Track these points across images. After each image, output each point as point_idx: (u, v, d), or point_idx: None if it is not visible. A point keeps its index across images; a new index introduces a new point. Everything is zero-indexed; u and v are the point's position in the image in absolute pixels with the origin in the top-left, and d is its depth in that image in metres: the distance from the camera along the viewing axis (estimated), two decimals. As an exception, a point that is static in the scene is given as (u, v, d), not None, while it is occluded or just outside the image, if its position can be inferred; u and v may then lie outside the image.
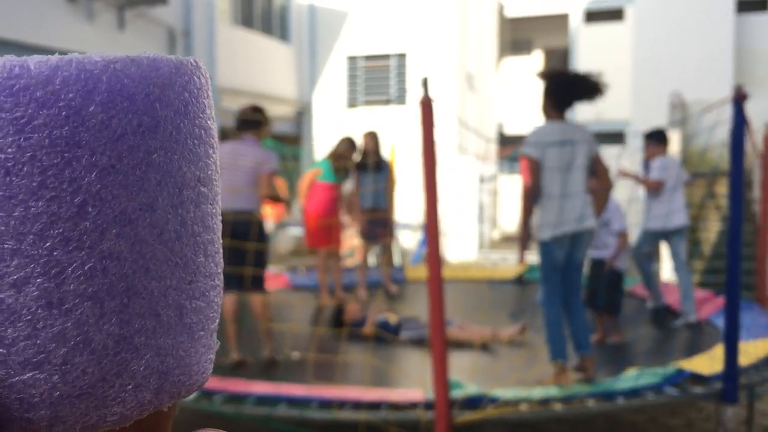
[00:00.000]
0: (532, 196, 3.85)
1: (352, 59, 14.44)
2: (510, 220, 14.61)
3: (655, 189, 5.73)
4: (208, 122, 0.38)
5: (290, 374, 4.09)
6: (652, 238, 5.92)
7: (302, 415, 3.33)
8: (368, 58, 14.35)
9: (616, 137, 14.87)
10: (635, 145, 9.23)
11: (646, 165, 6.15)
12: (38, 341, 0.33)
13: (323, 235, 6.47)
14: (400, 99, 14.11)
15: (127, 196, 0.34)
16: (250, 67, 12.36)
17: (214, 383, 3.76)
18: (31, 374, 0.33)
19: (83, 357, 0.33)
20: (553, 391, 3.65)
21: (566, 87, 3.89)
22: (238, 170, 4.59)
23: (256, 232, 4.50)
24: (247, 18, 12.72)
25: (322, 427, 3.63)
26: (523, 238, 4.18)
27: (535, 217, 3.93)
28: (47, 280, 0.33)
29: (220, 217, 0.39)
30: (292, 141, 13.50)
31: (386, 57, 14.22)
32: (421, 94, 3.25)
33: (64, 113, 0.33)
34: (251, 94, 12.21)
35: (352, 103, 14.43)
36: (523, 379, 4.03)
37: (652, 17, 13.96)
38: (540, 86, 3.96)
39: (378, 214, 6.83)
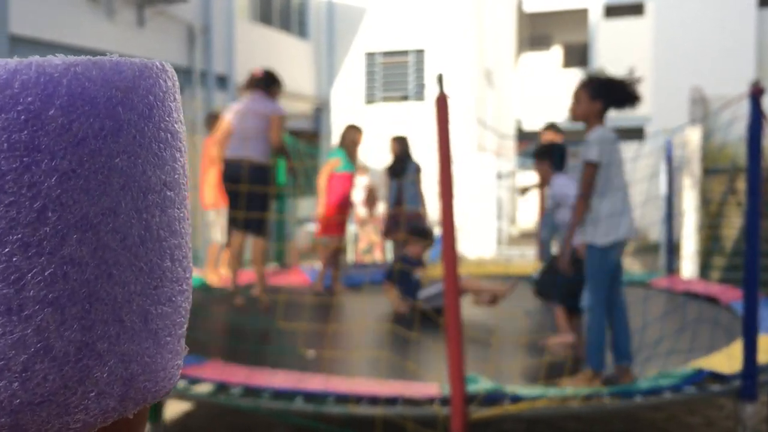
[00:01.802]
0: (588, 202, 3.82)
1: (371, 55, 14.44)
2: (528, 216, 14.56)
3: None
4: (175, 126, 0.37)
5: (307, 369, 4.11)
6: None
7: (319, 410, 3.35)
8: (386, 54, 14.35)
9: (635, 133, 14.76)
10: (655, 143, 9.18)
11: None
12: None
13: (339, 225, 6.51)
14: (419, 95, 14.09)
15: (89, 201, 0.33)
16: (268, 63, 12.39)
17: (229, 374, 3.78)
18: None
19: (44, 364, 0.33)
20: (571, 389, 3.64)
21: (617, 93, 3.86)
22: (248, 122, 5.07)
23: (262, 179, 5.02)
24: (265, 14, 12.77)
25: (339, 421, 3.64)
26: (568, 244, 4.06)
27: (594, 223, 3.88)
28: (6, 286, 0.32)
29: (188, 221, 0.39)
30: (309, 137, 13.53)
31: (404, 53, 14.21)
32: (436, 90, 3.24)
33: (23, 117, 0.32)
34: (269, 90, 12.24)
35: (370, 100, 14.43)
36: (541, 370, 4.02)
37: (672, 12, 13.83)
38: (584, 89, 3.87)
39: (407, 216, 6.89)
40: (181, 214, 0.38)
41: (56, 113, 0.32)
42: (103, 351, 0.34)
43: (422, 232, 6.08)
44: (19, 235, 0.32)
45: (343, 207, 6.50)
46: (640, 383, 3.73)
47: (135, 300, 0.35)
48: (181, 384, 3.70)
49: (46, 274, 0.32)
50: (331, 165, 6.57)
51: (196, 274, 6.75)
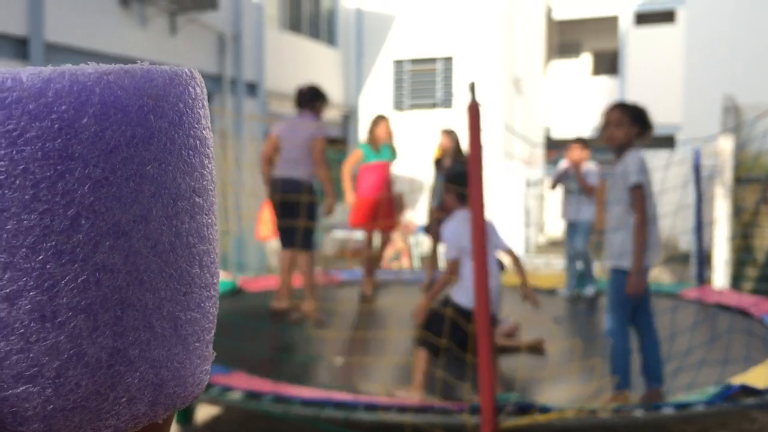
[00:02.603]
0: (647, 226, 3.77)
1: (399, 63, 14.48)
2: (556, 224, 14.45)
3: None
4: (204, 132, 0.38)
5: (335, 379, 4.12)
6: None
7: (349, 417, 3.36)
8: (415, 61, 14.37)
9: (665, 141, 14.61)
10: (685, 153, 9.08)
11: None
12: (31, 354, 0.32)
13: (371, 215, 6.44)
14: (447, 103, 14.09)
15: (121, 208, 0.33)
16: (297, 71, 12.49)
17: (261, 384, 3.81)
18: (24, 388, 0.33)
19: (77, 370, 0.33)
20: (600, 404, 3.62)
21: (646, 118, 3.86)
22: (294, 141, 5.17)
23: (307, 196, 5.11)
24: (295, 23, 12.86)
25: (369, 429, 3.65)
26: (638, 272, 3.83)
27: (615, 244, 3.83)
28: (40, 293, 0.32)
29: (216, 227, 0.39)
30: (338, 144, 13.59)
31: (433, 60, 14.22)
32: (468, 98, 3.25)
33: (56, 126, 0.32)
34: (298, 97, 12.33)
35: (399, 107, 14.46)
36: (574, 397, 4.00)
37: (704, 19, 13.69)
38: (625, 114, 3.85)
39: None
40: (210, 221, 0.38)
41: (89, 122, 0.33)
42: (134, 357, 0.34)
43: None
44: (53, 243, 0.32)
45: (374, 194, 6.43)
46: (671, 401, 3.69)
47: (165, 306, 0.35)
48: (213, 389, 3.74)
49: (79, 281, 0.33)
50: (351, 158, 6.57)
51: (227, 278, 6.81)
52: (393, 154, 6.66)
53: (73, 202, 0.32)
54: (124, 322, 0.34)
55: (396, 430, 3.44)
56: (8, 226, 0.32)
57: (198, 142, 0.37)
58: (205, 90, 0.39)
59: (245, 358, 4.50)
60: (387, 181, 6.53)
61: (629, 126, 3.80)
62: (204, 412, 4.68)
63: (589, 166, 7.15)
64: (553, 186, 7.32)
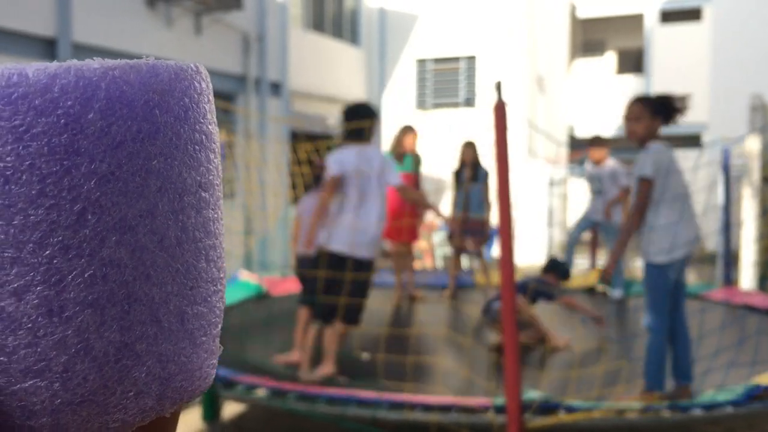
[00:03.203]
0: (642, 217, 3.78)
1: (422, 62, 14.47)
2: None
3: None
4: (209, 127, 0.38)
5: (361, 376, 4.13)
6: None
7: (374, 415, 3.37)
8: (437, 60, 14.35)
9: (691, 140, 14.47)
10: (713, 154, 8.99)
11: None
12: (39, 349, 0.33)
13: (396, 229, 6.44)
14: (470, 102, 14.06)
15: (127, 203, 0.34)
16: (320, 70, 12.53)
17: (285, 384, 3.84)
18: (32, 382, 0.33)
19: (84, 364, 0.33)
20: (627, 403, 3.59)
21: (670, 108, 3.85)
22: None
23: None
24: (318, 22, 12.90)
25: (394, 427, 3.66)
26: (615, 259, 3.98)
27: (650, 239, 3.83)
28: (47, 287, 0.32)
29: (222, 222, 0.39)
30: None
31: (456, 60, 14.20)
32: (494, 97, 3.24)
33: (62, 121, 0.32)
34: (322, 97, 12.38)
35: (421, 106, 14.45)
36: (595, 384, 3.98)
37: (731, 16, 13.53)
38: (644, 108, 3.85)
39: (471, 222, 6.83)
40: (216, 215, 0.38)
41: (95, 117, 0.33)
42: (141, 351, 0.34)
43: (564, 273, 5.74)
44: (60, 238, 0.32)
45: (398, 208, 6.40)
46: (699, 399, 3.66)
47: (172, 300, 0.35)
48: (239, 387, 3.77)
49: (86, 275, 0.33)
50: None
51: (253, 280, 6.85)
52: (417, 164, 6.65)
53: (80, 197, 0.33)
54: (131, 316, 0.34)
55: (421, 429, 3.44)
56: (15, 222, 0.32)
57: (203, 136, 0.37)
58: (210, 85, 0.39)
59: (272, 367, 4.52)
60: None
61: (650, 119, 3.81)
62: (230, 410, 4.72)
63: (614, 165, 7.11)
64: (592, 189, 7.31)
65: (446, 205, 12.56)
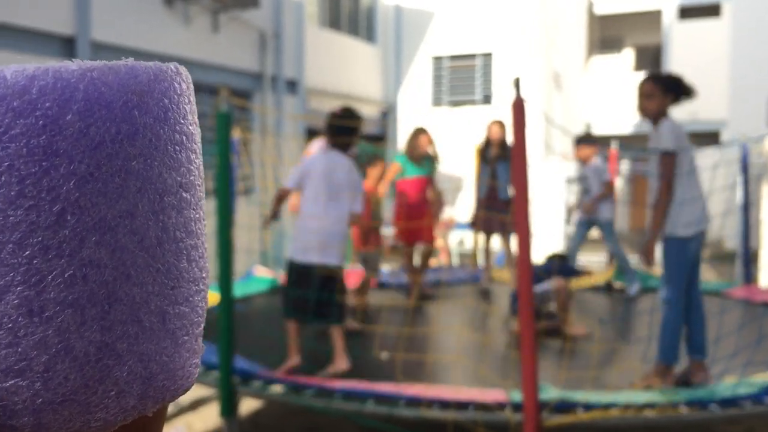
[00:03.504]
0: (672, 191, 3.79)
1: (438, 59, 14.44)
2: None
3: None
4: (190, 128, 0.38)
5: (379, 374, 4.14)
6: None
7: (390, 412, 3.37)
8: (454, 57, 14.32)
9: (710, 138, 14.34)
10: (732, 151, 8.90)
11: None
12: (19, 349, 0.33)
13: (413, 231, 6.41)
14: (486, 99, 14.02)
15: (107, 204, 0.34)
16: (337, 68, 12.54)
17: (302, 379, 3.85)
18: (13, 382, 0.33)
19: (65, 364, 0.33)
20: (642, 396, 3.57)
21: (680, 86, 3.88)
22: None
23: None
24: (334, 20, 12.91)
25: (410, 424, 3.66)
26: (652, 245, 3.95)
27: (671, 213, 3.84)
28: (27, 288, 0.32)
29: (204, 222, 0.39)
30: (376, 141, 13.61)
31: (472, 57, 14.16)
32: (511, 94, 3.23)
33: (41, 122, 0.32)
34: (338, 94, 12.39)
35: (437, 104, 14.43)
36: (611, 381, 3.96)
37: (750, 12, 13.40)
38: (656, 85, 3.89)
39: (499, 203, 6.66)
40: (197, 215, 0.38)
41: (73, 118, 0.33)
42: (122, 351, 0.34)
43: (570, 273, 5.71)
44: (39, 238, 0.32)
45: (414, 211, 6.38)
46: (717, 389, 3.63)
47: (153, 300, 0.35)
48: (255, 383, 3.78)
49: (66, 276, 0.33)
50: (390, 172, 6.44)
51: (268, 275, 6.88)
52: (433, 165, 6.59)
53: (59, 198, 0.33)
54: (112, 316, 0.34)
55: (438, 427, 3.44)
56: None
57: (184, 137, 0.37)
58: (191, 85, 0.39)
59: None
60: (425, 196, 6.45)
61: (661, 97, 3.86)
62: (247, 406, 4.74)
63: (598, 163, 7.10)
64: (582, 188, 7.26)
65: (465, 199, 12.54)
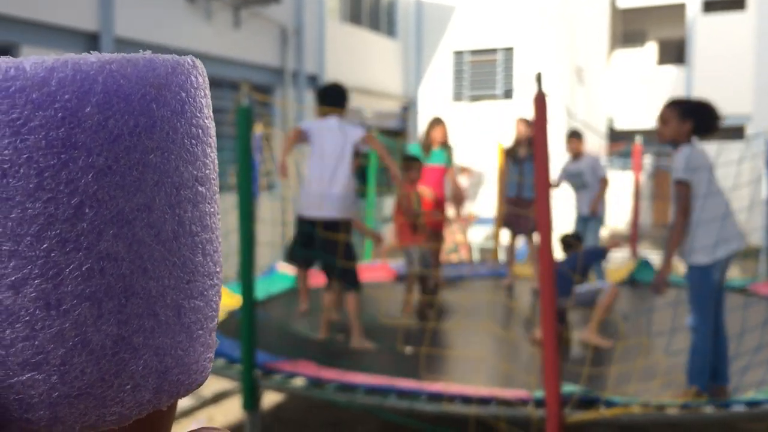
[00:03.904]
0: (687, 221, 3.75)
1: (458, 54, 14.40)
2: (618, 217, 14.20)
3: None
4: (206, 121, 0.38)
5: (402, 368, 4.15)
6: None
7: (412, 407, 3.38)
8: (474, 52, 14.27)
9: (734, 132, 14.18)
10: (757, 146, 8.79)
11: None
12: (36, 342, 0.33)
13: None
14: (507, 94, 13.96)
15: (124, 197, 0.34)
16: (357, 62, 12.55)
17: (325, 372, 3.87)
18: (29, 375, 0.33)
19: (81, 357, 0.33)
20: (667, 399, 3.56)
21: (704, 114, 3.81)
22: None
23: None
24: (355, 14, 12.91)
25: (432, 419, 3.67)
26: (665, 274, 3.93)
27: (687, 240, 3.80)
28: (45, 281, 0.32)
29: (218, 216, 0.39)
30: (397, 136, 13.61)
31: (493, 51, 14.10)
32: (533, 89, 3.22)
33: (60, 114, 0.33)
34: (358, 89, 12.40)
35: (458, 98, 14.39)
36: (634, 379, 3.94)
37: (777, 5, 13.21)
38: (672, 110, 3.83)
39: (521, 205, 6.62)
40: (212, 209, 0.38)
41: (92, 110, 0.33)
42: (138, 344, 0.34)
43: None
44: (57, 231, 0.32)
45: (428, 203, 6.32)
46: (741, 398, 3.60)
47: (169, 294, 0.35)
48: (277, 377, 3.81)
49: (83, 269, 0.33)
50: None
51: (291, 272, 6.90)
52: (447, 156, 6.53)
53: (77, 191, 0.33)
54: (128, 309, 0.34)
55: (460, 421, 3.45)
56: (13, 215, 0.32)
57: (200, 131, 0.37)
58: (206, 79, 0.39)
59: (309, 348, 4.57)
60: (440, 185, 6.39)
61: (678, 123, 3.80)
62: (269, 400, 4.78)
63: (593, 157, 7.04)
64: (557, 185, 7.13)
65: (486, 194, 12.50)
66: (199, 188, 0.37)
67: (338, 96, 5.00)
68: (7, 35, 6.74)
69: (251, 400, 3.77)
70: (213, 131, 0.39)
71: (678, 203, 3.76)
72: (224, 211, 5.52)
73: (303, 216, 4.82)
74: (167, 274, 0.35)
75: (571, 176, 7.08)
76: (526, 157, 6.63)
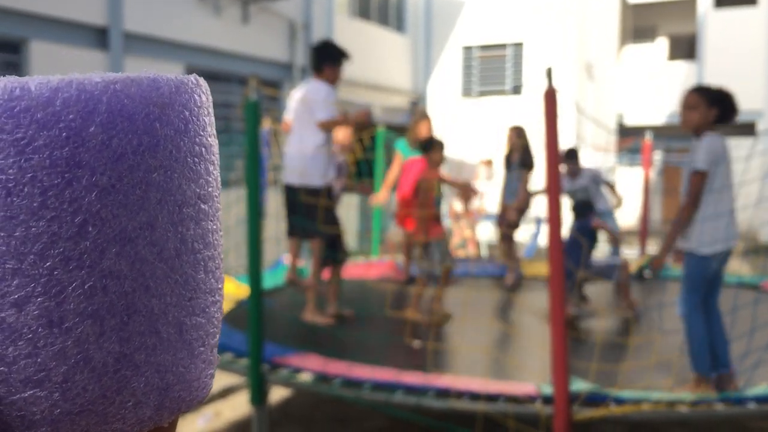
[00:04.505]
0: (695, 209, 3.75)
1: (468, 49, 14.35)
2: (628, 212, 14.14)
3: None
4: (209, 139, 0.38)
5: (409, 362, 4.13)
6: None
7: (419, 403, 3.37)
8: (484, 47, 14.21)
9: (746, 129, 14.09)
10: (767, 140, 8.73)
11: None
12: (39, 359, 0.33)
13: (408, 218, 6.36)
14: (516, 89, 13.90)
15: (127, 216, 0.34)
16: (366, 58, 12.52)
17: (332, 366, 3.86)
18: (32, 392, 0.33)
19: (83, 375, 0.33)
20: (680, 395, 3.52)
21: (728, 103, 3.79)
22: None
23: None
24: (364, 10, 12.88)
25: (439, 415, 3.65)
26: (662, 258, 3.94)
27: (695, 229, 3.80)
28: (48, 299, 0.33)
29: (221, 233, 0.39)
30: (406, 131, 13.57)
31: (502, 46, 14.04)
32: (543, 84, 3.20)
33: (64, 134, 0.33)
34: (367, 85, 12.37)
35: (467, 94, 14.34)
36: (644, 375, 3.91)
37: (789, 1, 13.10)
38: (701, 96, 3.80)
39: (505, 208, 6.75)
40: (215, 226, 0.38)
41: (96, 130, 0.33)
42: (140, 362, 0.35)
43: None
44: (61, 249, 0.33)
45: (409, 196, 6.32)
46: (750, 392, 3.57)
47: (170, 311, 0.36)
48: (284, 372, 3.80)
49: (86, 287, 0.33)
50: (394, 163, 6.44)
51: (300, 264, 6.90)
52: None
53: (81, 210, 0.33)
54: (130, 327, 0.34)
55: (467, 418, 3.43)
56: (16, 233, 0.32)
57: (203, 149, 0.37)
58: (210, 97, 0.39)
59: (318, 340, 4.56)
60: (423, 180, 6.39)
61: (706, 109, 3.75)
62: (276, 395, 4.77)
63: (591, 171, 7.01)
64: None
65: (493, 191, 12.46)
66: (202, 206, 0.37)
67: (314, 58, 5.04)
68: (16, 30, 6.75)
69: (258, 395, 3.76)
70: (216, 148, 0.39)
71: (690, 192, 3.73)
72: (231, 204, 5.52)
73: (285, 183, 5.04)
74: (169, 292, 0.36)
75: (573, 193, 6.90)
76: (514, 163, 6.73)
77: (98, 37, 7.52)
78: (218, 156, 0.39)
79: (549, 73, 3.15)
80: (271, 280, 5.87)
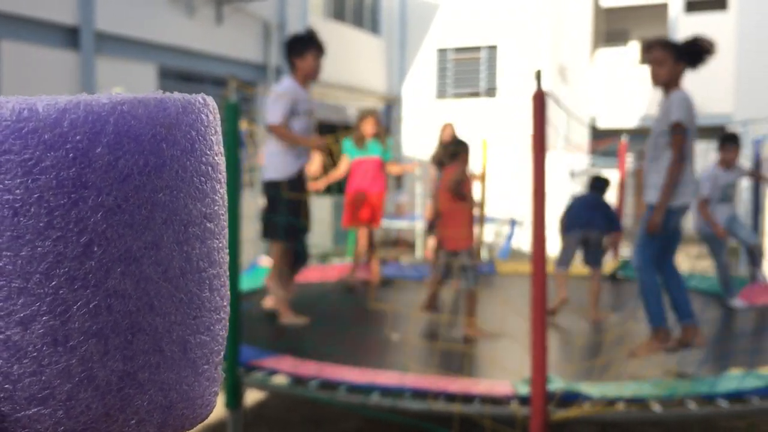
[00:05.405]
0: (683, 165, 3.75)
1: (442, 51, 14.39)
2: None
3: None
4: (216, 158, 0.38)
5: (386, 359, 4.13)
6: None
7: (395, 404, 3.36)
8: (458, 50, 14.27)
9: (716, 132, 14.29)
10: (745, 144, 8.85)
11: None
12: (43, 377, 0.33)
13: (352, 211, 6.34)
14: (491, 91, 13.97)
15: (133, 235, 0.34)
16: (341, 59, 12.50)
17: (307, 368, 3.84)
18: (36, 410, 0.33)
19: (87, 393, 0.34)
20: (647, 387, 3.55)
21: (694, 51, 3.82)
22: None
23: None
24: (339, 11, 12.86)
25: (416, 416, 3.65)
26: (658, 218, 3.82)
27: (657, 182, 3.81)
28: (53, 317, 0.33)
29: (227, 251, 0.39)
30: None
31: (477, 49, 14.11)
32: (528, 87, 3.21)
33: (71, 155, 0.33)
34: (342, 86, 12.36)
35: (442, 96, 14.38)
36: (620, 371, 3.95)
37: (757, 5, 13.33)
38: (667, 52, 3.82)
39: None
40: (220, 245, 0.38)
41: (103, 151, 0.34)
42: (144, 380, 0.35)
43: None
44: (66, 269, 0.33)
45: (357, 194, 6.31)
46: (724, 381, 3.61)
47: (175, 330, 0.36)
48: (260, 375, 3.77)
49: (91, 306, 0.33)
50: (341, 163, 6.48)
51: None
52: (382, 148, 6.49)
53: (86, 230, 0.33)
54: (135, 346, 0.34)
55: (444, 419, 3.43)
56: (23, 253, 0.33)
57: (210, 168, 0.37)
58: (218, 116, 0.39)
59: (292, 339, 4.54)
60: (374, 177, 6.38)
61: (673, 64, 3.78)
62: (251, 397, 4.74)
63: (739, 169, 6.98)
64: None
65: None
66: (208, 225, 0.37)
67: (285, 57, 5.14)
68: (-15, 28, 6.63)
69: (234, 399, 3.73)
70: (223, 167, 0.39)
71: (674, 144, 3.72)
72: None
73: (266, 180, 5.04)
74: (174, 311, 0.36)
75: (728, 187, 6.09)
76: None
77: (69, 36, 7.42)
78: (225, 174, 0.39)
79: (538, 75, 3.16)
80: (246, 282, 5.84)
